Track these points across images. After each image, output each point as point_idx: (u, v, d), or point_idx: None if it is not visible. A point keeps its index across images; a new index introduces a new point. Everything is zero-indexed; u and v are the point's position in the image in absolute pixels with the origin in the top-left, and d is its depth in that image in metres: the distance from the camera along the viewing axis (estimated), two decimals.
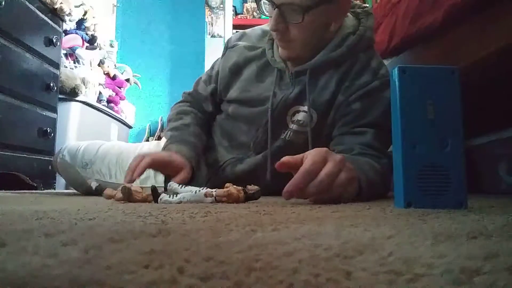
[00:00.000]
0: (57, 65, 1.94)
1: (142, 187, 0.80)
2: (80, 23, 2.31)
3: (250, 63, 1.06)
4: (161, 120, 3.39)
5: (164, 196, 0.71)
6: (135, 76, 2.98)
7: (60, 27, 1.97)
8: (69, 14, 2.02)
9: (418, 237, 0.29)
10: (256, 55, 1.06)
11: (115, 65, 2.74)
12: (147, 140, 3.28)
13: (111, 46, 2.76)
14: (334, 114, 0.97)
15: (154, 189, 0.73)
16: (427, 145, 0.59)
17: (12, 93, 1.59)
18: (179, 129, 1.05)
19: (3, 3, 1.51)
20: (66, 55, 2.19)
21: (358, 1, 1.05)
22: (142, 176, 0.89)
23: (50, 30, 1.87)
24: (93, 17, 2.36)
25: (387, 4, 1.38)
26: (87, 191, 1.17)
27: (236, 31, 1.17)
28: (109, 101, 2.57)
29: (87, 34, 2.35)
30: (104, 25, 2.79)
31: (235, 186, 0.72)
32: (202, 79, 1.18)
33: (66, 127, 2.10)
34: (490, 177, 1.41)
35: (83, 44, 2.31)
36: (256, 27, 1.14)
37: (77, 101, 2.16)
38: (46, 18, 1.83)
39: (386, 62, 1.07)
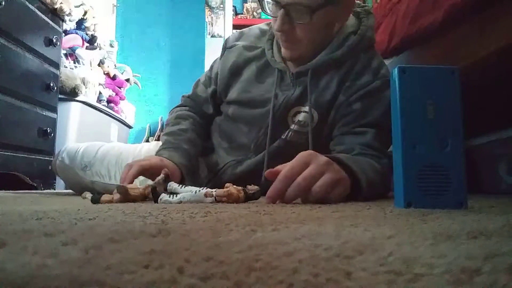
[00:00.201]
0: (57, 65, 1.94)
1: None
2: (80, 23, 2.31)
3: (249, 64, 1.05)
4: (161, 120, 3.39)
5: (164, 196, 0.71)
6: (135, 76, 2.98)
7: (60, 27, 1.97)
8: (69, 14, 2.02)
9: (418, 237, 0.29)
10: (256, 55, 1.05)
11: (115, 65, 2.74)
12: (147, 140, 3.28)
13: (111, 46, 2.77)
14: (334, 114, 0.97)
15: (154, 189, 0.73)
16: (427, 145, 0.59)
17: (12, 93, 1.59)
18: (175, 134, 1.04)
19: (3, 3, 1.51)
20: (66, 55, 2.20)
21: (359, 1, 1.05)
22: (141, 178, 0.89)
23: (50, 30, 1.87)
24: (93, 17, 2.37)
25: (387, 4, 1.38)
26: None
27: (236, 31, 1.16)
28: (109, 101, 2.57)
29: (87, 34, 2.35)
30: (104, 25, 2.79)
31: (235, 186, 0.72)
32: (201, 81, 1.17)
33: (66, 127, 2.10)
34: (490, 177, 1.41)
35: (83, 44, 2.31)
36: (253, 26, 1.13)
37: (77, 101, 2.16)
38: (46, 18, 1.83)
39: (386, 62, 1.06)
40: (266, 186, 0.68)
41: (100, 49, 2.50)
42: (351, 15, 1.01)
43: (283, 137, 1.00)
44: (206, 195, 0.70)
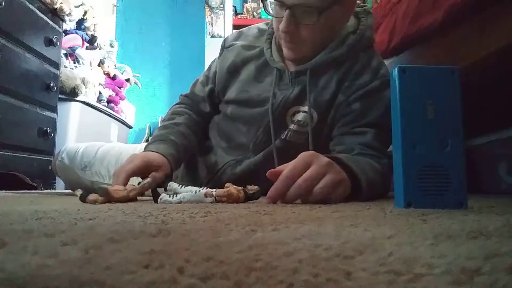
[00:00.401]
0: (57, 65, 1.94)
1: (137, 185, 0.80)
2: (80, 23, 2.31)
3: (248, 63, 1.05)
4: (161, 120, 3.39)
5: (164, 196, 0.71)
6: (135, 76, 2.98)
7: (60, 27, 1.97)
8: (69, 14, 2.02)
9: (418, 237, 0.29)
10: (254, 55, 1.05)
11: (115, 65, 2.74)
12: (147, 141, 3.27)
13: (111, 46, 2.77)
14: (334, 114, 0.97)
15: (154, 189, 0.73)
16: (427, 145, 0.59)
17: (12, 93, 1.59)
18: (166, 127, 1.03)
19: (3, 3, 1.51)
20: (66, 55, 2.20)
21: (358, 1, 1.05)
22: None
23: (50, 30, 1.87)
24: (93, 17, 2.37)
25: (387, 4, 1.38)
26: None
27: (235, 31, 1.16)
28: (109, 101, 2.57)
29: (87, 34, 2.35)
30: (104, 25, 2.79)
31: (235, 186, 0.72)
32: (200, 81, 1.17)
33: (66, 127, 2.10)
34: (490, 177, 1.41)
35: (83, 44, 2.31)
36: (251, 26, 1.13)
37: (77, 101, 2.16)
38: (46, 18, 1.83)
39: (386, 62, 1.06)
40: (267, 186, 0.68)
41: (100, 49, 2.50)
42: None
43: (282, 137, 1.00)
44: (206, 195, 0.70)
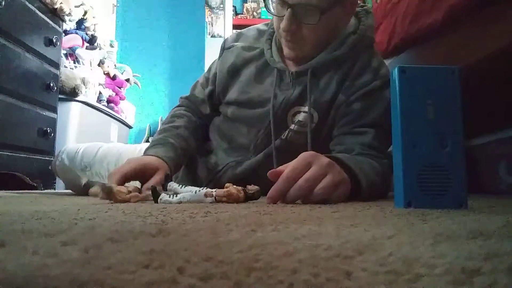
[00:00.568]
0: (57, 65, 1.94)
1: (138, 187, 0.80)
2: (80, 23, 2.31)
3: (248, 64, 1.05)
4: (161, 120, 3.39)
5: (164, 196, 0.71)
6: (135, 76, 2.98)
7: (60, 27, 1.97)
8: (69, 14, 2.02)
9: (418, 237, 0.29)
10: (254, 56, 1.05)
11: (115, 65, 2.74)
12: (147, 141, 3.28)
13: (111, 46, 2.77)
14: (334, 114, 0.97)
15: (154, 189, 0.73)
16: (427, 145, 0.59)
17: (12, 93, 1.59)
18: (166, 131, 1.03)
19: (3, 3, 1.51)
20: (66, 55, 2.20)
21: (359, 1, 1.05)
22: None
23: (50, 30, 1.87)
24: (93, 17, 2.37)
25: (387, 4, 1.38)
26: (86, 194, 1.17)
27: (235, 32, 1.16)
28: (109, 101, 2.57)
29: (87, 34, 2.35)
30: (104, 25, 2.79)
31: (235, 186, 0.72)
32: (200, 82, 1.16)
33: (66, 127, 2.10)
34: (490, 177, 1.41)
35: (83, 44, 2.32)
36: (251, 27, 1.13)
37: (77, 101, 2.16)
38: (46, 18, 1.83)
39: (386, 62, 1.06)
40: (267, 186, 0.68)
41: (100, 49, 2.50)
42: None
43: (282, 137, 1.00)
44: (206, 195, 0.70)
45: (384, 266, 0.20)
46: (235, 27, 3.27)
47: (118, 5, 3.47)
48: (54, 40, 1.86)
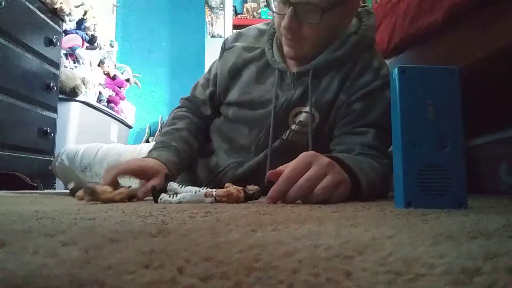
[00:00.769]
0: (57, 65, 1.94)
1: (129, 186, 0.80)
2: (80, 23, 2.31)
3: (249, 65, 1.04)
4: (161, 120, 3.39)
5: (164, 196, 0.71)
6: (135, 76, 2.98)
7: (60, 27, 1.97)
8: (69, 14, 2.02)
9: (418, 237, 0.29)
10: (255, 56, 1.04)
11: (115, 65, 2.74)
12: (147, 141, 3.29)
13: (111, 46, 2.77)
14: (335, 114, 0.97)
15: (154, 189, 0.73)
16: (427, 145, 0.59)
17: (12, 93, 1.59)
18: (168, 134, 1.03)
19: (3, 3, 1.51)
20: (66, 55, 2.20)
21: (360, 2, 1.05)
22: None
23: (50, 30, 1.87)
24: (93, 17, 2.37)
25: (387, 4, 1.38)
26: None
27: (235, 32, 1.16)
28: (109, 101, 2.57)
29: (87, 34, 2.35)
30: (104, 25, 2.79)
31: (235, 186, 0.72)
32: (200, 83, 1.16)
33: (66, 127, 2.10)
34: (490, 177, 1.41)
35: (83, 44, 2.32)
36: (251, 27, 1.12)
37: (77, 101, 2.16)
38: (46, 18, 1.83)
39: (386, 62, 1.06)
40: (267, 186, 0.68)
41: (100, 49, 2.50)
42: None
43: (283, 137, 1.00)
44: (206, 195, 0.70)
45: (384, 266, 0.20)
46: (235, 27, 3.27)
47: (118, 5, 3.47)
48: (54, 40, 1.86)
